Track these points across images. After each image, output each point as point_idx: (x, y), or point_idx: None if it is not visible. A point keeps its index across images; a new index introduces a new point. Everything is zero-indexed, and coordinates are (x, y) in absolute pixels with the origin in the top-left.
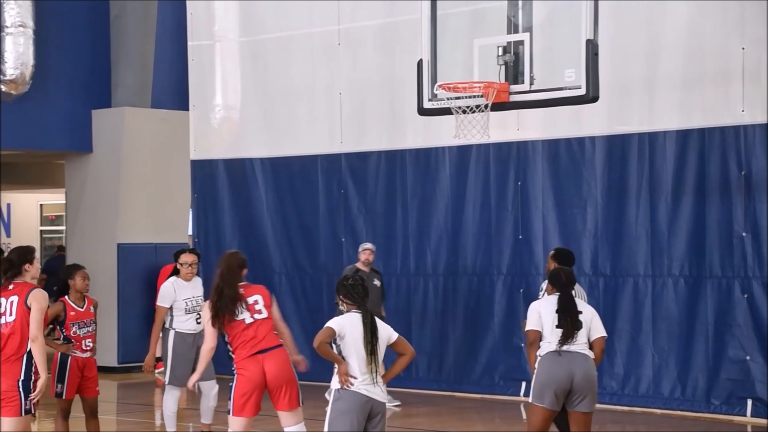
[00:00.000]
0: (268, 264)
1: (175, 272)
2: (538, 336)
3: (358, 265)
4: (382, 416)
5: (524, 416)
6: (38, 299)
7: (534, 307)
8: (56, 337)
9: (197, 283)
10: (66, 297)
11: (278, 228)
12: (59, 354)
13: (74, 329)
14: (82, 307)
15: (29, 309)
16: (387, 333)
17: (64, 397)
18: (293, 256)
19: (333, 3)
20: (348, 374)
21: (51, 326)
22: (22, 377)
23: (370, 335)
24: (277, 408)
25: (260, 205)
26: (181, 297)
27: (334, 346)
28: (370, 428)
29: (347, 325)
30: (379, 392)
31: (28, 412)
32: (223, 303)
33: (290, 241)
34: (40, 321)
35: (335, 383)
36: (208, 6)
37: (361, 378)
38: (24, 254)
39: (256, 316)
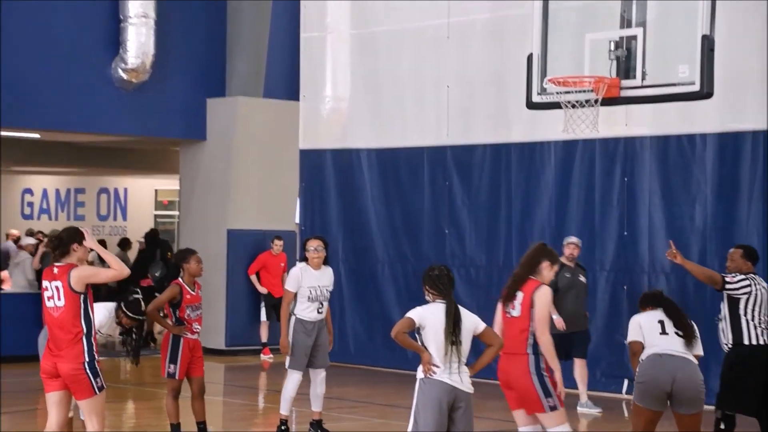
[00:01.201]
0: (371, 253)
1: (304, 258)
2: (641, 347)
3: (562, 259)
4: (467, 406)
5: (626, 414)
6: (80, 271)
7: (635, 319)
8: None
9: (326, 272)
10: (180, 280)
11: (382, 218)
12: (171, 336)
13: (188, 312)
14: (194, 291)
15: (75, 292)
16: (473, 323)
17: (176, 378)
18: (396, 245)
19: None
20: (431, 363)
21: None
22: (87, 358)
23: (453, 326)
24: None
25: (365, 195)
26: (306, 284)
27: (416, 335)
28: (455, 417)
29: (428, 315)
30: (462, 381)
31: (101, 389)
32: None
33: (394, 231)
34: (103, 270)
35: (420, 372)
36: None
37: (443, 367)
38: (74, 234)
39: None
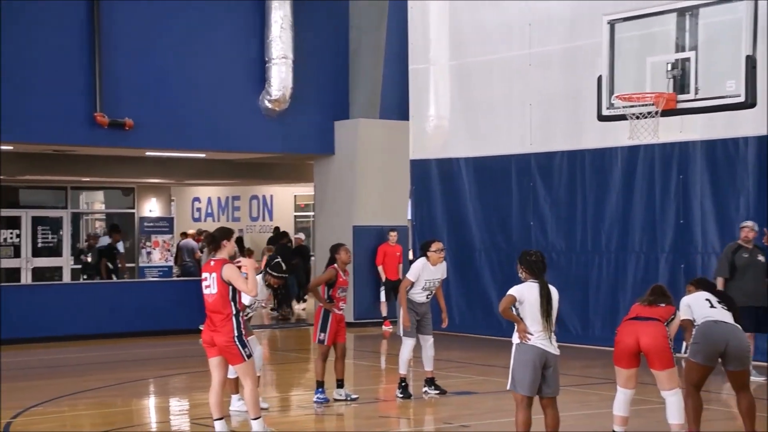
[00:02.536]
0: (470, 243)
1: (424, 255)
2: (690, 324)
3: (740, 242)
4: (556, 366)
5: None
6: (229, 270)
7: (684, 301)
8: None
9: (441, 267)
10: (335, 265)
11: (479, 214)
12: (322, 309)
13: (338, 292)
14: (345, 276)
15: (226, 283)
16: (557, 299)
17: (325, 344)
18: (491, 236)
19: (526, 31)
20: (526, 331)
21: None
22: (236, 333)
23: (546, 303)
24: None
25: (464, 195)
26: (424, 277)
27: (513, 308)
28: (546, 375)
29: (525, 292)
30: (552, 346)
31: (249, 356)
32: None
33: (488, 224)
34: (244, 286)
35: (516, 338)
36: (426, 37)
37: (536, 335)
38: (225, 233)
39: None
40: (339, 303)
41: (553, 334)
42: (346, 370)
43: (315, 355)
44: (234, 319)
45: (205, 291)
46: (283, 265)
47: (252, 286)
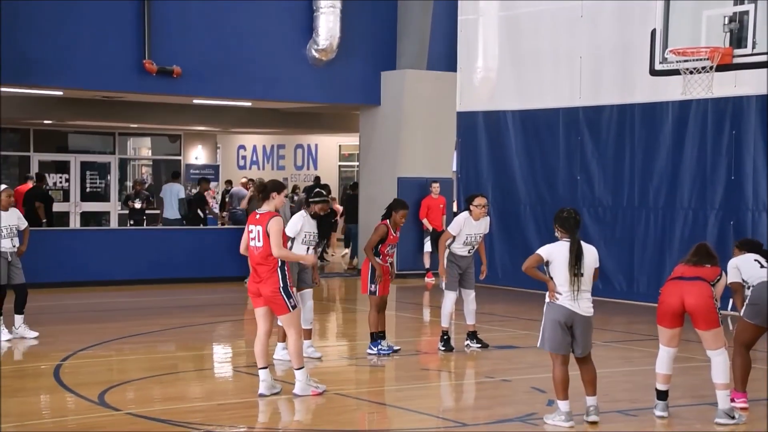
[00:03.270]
0: (516, 196)
1: (468, 209)
2: (740, 286)
3: None
4: (585, 327)
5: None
6: (273, 226)
7: (732, 263)
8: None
9: (485, 222)
10: (388, 222)
11: (525, 167)
12: (370, 263)
13: (388, 248)
14: (396, 233)
15: (269, 235)
16: (594, 259)
17: (377, 294)
18: (537, 190)
19: None
20: (555, 291)
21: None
22: (281, 284)
23: (575, 261)
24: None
25: (511, 148)
26: (466, 231)
27: (544, 268)
28: (575, 335)
29: (554, 251)
30: (580, 306)
31: (294, 307)
32: None
33: (534, 178)
34: (278, 241)
35: (546, 297)
36: None
37: (564, 294)
38: (276, 185)
39: None
40: (386, 258)
41: (584, 293)
42: (388, 322)
43: (362, 305)
44: (279, 270)
45: (251, 243)
46: (323, 190)
47: (284, 254)
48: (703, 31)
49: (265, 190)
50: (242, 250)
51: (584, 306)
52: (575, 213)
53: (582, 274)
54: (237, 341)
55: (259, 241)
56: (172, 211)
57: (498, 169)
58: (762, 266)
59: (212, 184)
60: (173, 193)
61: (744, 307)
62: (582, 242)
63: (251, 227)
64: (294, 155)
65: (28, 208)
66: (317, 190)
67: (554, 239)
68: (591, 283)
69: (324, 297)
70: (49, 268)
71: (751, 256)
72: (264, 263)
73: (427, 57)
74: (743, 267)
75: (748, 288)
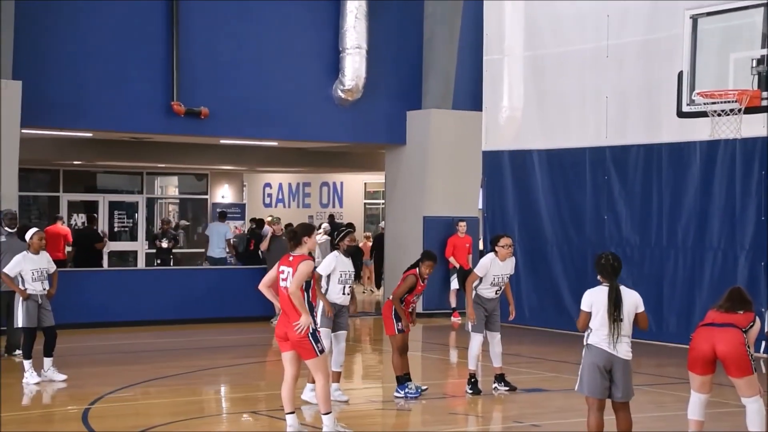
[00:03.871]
0: (542, 235)
1: (493, 251)
2: None
3: None
4: (624, 369)
5: (764, 370)
6: (302, 267)
7: None
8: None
9: (510, 263)
10: (417, 271)
11: (551, 207)
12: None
13: (414, 298)
14: (424, 283)
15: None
16: (634, 303)
17: (405, 332)
18: (563, 229)
19: (603, 22)
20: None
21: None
22: (310, 330)
23: (614, 308)
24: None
25: (537, 187)
26: (493, 273)
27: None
28: (615, 379)
29: (595, 299)
30: (619, 351)
31: (321, 351)
32: None
33: (561, 217)
34: (299, 281)
35: (586, 340)
36: (500, 27)
37: (603, 338)
38: (305, 229)
39: None
40: (410, 305)
41: (623, 338)
42: (414, 363)
43: (388, 346)
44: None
45: (282, 284)
46: (342, 225)
47: (303, 309)
48: (730, 74)
49: (295, 236)
50: (261, 285)
51: (623, 350)
52: (613, 259)
53: (621, 320)
54: (262, 384)
55: (290, 282)
56: (217, 251)
57: (524, 208)
58: None
59: (239, 223)
60: (219, 233)
61: None
62: (623, 287)
63: (282, 268)
64: (319, 193)
65: (83, 248)
66: (341, 228)
67: (580, 278)
68: (631, 328)
69: (351, 338)
70: (76, 309)
71: None
72: (293, 304)
73: (452, 96)
74: None
75: None
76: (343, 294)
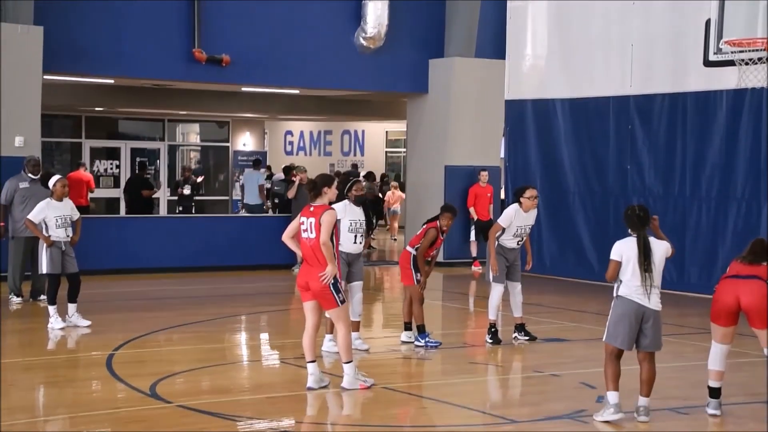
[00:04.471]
0: (564, 185)
1: (517, 201)
2: None
3: None
4: (655, 320)
5: None
6: (326, 217)
7: None
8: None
9: (533, 214)
10: (437, 224)
11: (574, 156)
12: (411, 256)
13: (434, 251)
14: (443, 236)
15: (321, 225)
16: (664, 250)
17: (419, 284)
18: (586, 179)
19: None
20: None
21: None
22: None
23: (644, 257)
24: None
25: (560, 137)
26: (516, 224)
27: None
28: (645, 329)
29: (625, 249)
30: (651, 301)
31: (342, 302)
32: None
33: (584, 167)
34: (327, 230)
35: (615, 291)
36: None
37: (635, 289)
38: (326, 180)
39: None
40: (429, 257)
41: (654, 288)
42: (434, 312)
43: (404, 296)
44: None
45: (303, 235)
46: (360, 175)
47: (324, 237)
48: (759, 22)
49: (315, 186)
50: (285, 236)
51: (654, 300)
52: (639, 210)
53: (652, 270)
54: (285, 332)
55: (311, 233)
56: (252, 197)
57: (546, 158)
58: None
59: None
60: (254, 180)
61: None
62: (652, 239)
63: (303, 219)
64: (341, 141)
65: (133, 195)
66: (349, 177)
67: (602, 228)
68: (660, 279)
69: (370, 286)
70: (99, 255)
71: None
72: (315, 255)
73: (475, 45)
74: None
75: None
76: (354, 243)
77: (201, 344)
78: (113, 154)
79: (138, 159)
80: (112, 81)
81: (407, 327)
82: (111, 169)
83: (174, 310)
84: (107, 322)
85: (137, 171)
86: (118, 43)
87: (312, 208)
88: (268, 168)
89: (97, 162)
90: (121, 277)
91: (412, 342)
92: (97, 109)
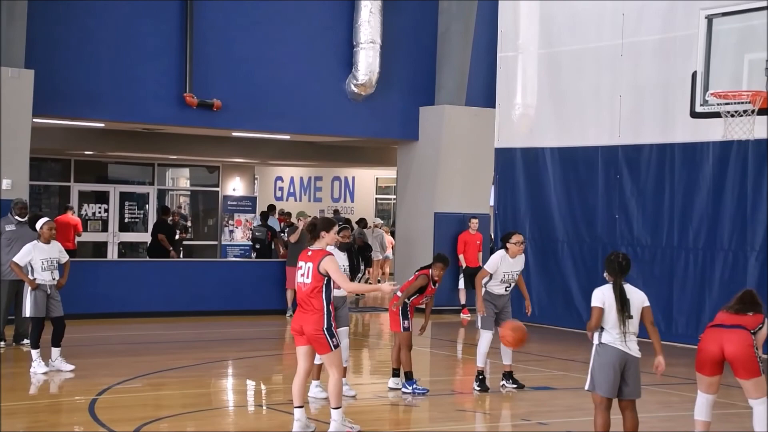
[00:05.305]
0: (554, 234)
1: (504, 248)
2: None
3: None
4: (635, 367)
5: None
6: (329, 264)
7: None
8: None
9: (521, 260)
10: (430, 272)
11: (563, 205)
12: (402, 305)
13: (424, 299)
14: (435, 285)
15: (322, 275)
16: (641, 300)
17: (410, 330)
18: (575, 228)
19: (618, 20)
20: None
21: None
22: (326, 324)
23: (621, 305)
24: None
25: (549, 185)
26: (503, 270)
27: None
28: (626, 377)
29: (606, 296)
30: (631, 348)
31: (336, 347)
32: None
33: (572, 216)
34: (343, 277)
35: (596, 339)
36: (515, 24)
37: (617, 336)
38: (325, 224)
39: None
40: (418, 305)
41: (632, 336)
42: (422, 359)
43: (392, 343)
44: (326, 311)
45: (299, 279)
46: (341, 221)
47: (346, 284)
48: (744, 74)
49: (314, 229)
50: (290, 285)
51: (634, 348)
52: (622, 257)
53: (631, 317)
54: (273, 377)
55: (307, 277)
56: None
57: (536, 206)
58: None
59: (249, 216)
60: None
61: None
62: (628, 285)
63: (301, 263)
64: (331, 187)
65: (155, 239)
66: (342, 225)
67: (591, 276)
68: (638, 325)
69: (359, 332)
70: (85, 299)
71: None
72: (310, 301)
73: (465, 93)
74: None
75: None
76: (339, 288)
77: (187, 389)
78: (102, 197)
79: (161, 203)
80: (102, 125)
81: (395, 373)
82: (99, 212)
83: (160, 354)
84: (91, 367)
85: (162, 215)
86: (109, 87)
87: (310, 253)
88: (263, 214)
89: (86, 206)
90: (107, 322)
91: (400, 389)
92: (86, 152)
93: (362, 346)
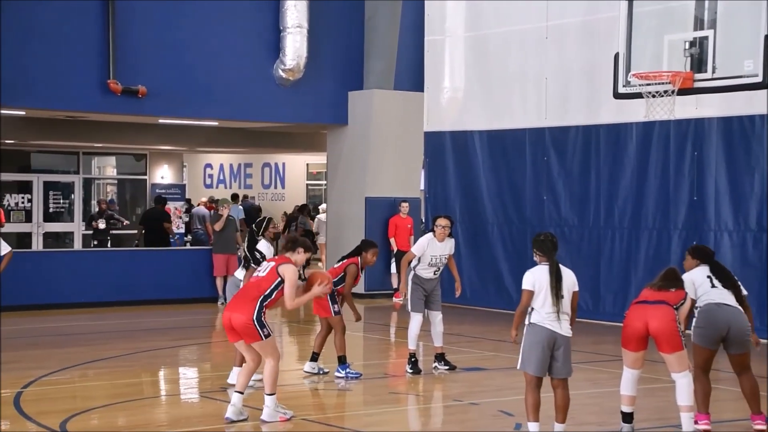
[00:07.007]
0: (483, 216)
1: (432, 230)
2: (693, 303)
3: None
4: (565, 346)
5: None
6: (289, 273)
7: (687, 277)
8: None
9: (450, 243)
10: (358, 260)
11: (492, 187)
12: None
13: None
14: (362, 273)
15: (278, 275)
16: (572, 281)
17: (340, 313)
18: (504, 210)
19: (543, 3)
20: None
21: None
22: (256, 315)
23: (555, 282)
24: None
25: (478, 168)
26: (430, 253)
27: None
28: (556, 355)
29: (538, 277)
30: (562, 328)
31: (267, 336)
32: None
33: (501, 198)
34: (291, 293)
35: (527, 319)
36: (442, 8)
37: (546, 316)
38: (306, 245)
39: None
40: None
41: (564, 315)
42: (355, 343)
43: (320, 328)
44: (259, 303)
45: (255, 274)
46: (262, 218)
47: (293, 302)
48: (665, 55)
49: (294, 244)
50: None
51: (565, 327)
52: (552, 236)
53: (563, 296)
54: (203, 365)
55: (263, 272)
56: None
57: (465, 189)
58: (713, 285)
59: (178, 204)
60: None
61: (692, 330)
62: (561, 266)
63: (269, 264)
64: (261, 174)
65: (151, 228)
66: (258, 219)
67: (521, 257)
68: (569, 305)
69: (295, 317)
70: (11, 291)
71: (703, 272)
72: (251, 291)
73: (394, 77)
74: (697, 283)
75: (696, 308)
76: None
77: (116, 379)
78: (25, 187)
79: (156, 192)
80: (23, 113)
81: (314, 357)
82: (23, 203)
83: (88, 345)
84: (16, 359)
85: (154, 205)
86: (30, 74)
87: (279, 257)
88: (188, 201)
89: (8, 196)
90: (34, 313)
91: (317, 373)
92: (8, 141)
93: (293, 331)
